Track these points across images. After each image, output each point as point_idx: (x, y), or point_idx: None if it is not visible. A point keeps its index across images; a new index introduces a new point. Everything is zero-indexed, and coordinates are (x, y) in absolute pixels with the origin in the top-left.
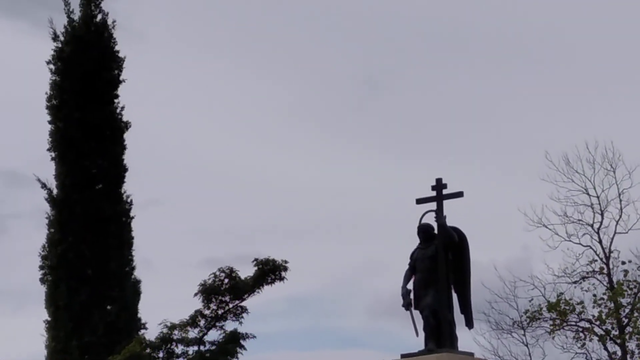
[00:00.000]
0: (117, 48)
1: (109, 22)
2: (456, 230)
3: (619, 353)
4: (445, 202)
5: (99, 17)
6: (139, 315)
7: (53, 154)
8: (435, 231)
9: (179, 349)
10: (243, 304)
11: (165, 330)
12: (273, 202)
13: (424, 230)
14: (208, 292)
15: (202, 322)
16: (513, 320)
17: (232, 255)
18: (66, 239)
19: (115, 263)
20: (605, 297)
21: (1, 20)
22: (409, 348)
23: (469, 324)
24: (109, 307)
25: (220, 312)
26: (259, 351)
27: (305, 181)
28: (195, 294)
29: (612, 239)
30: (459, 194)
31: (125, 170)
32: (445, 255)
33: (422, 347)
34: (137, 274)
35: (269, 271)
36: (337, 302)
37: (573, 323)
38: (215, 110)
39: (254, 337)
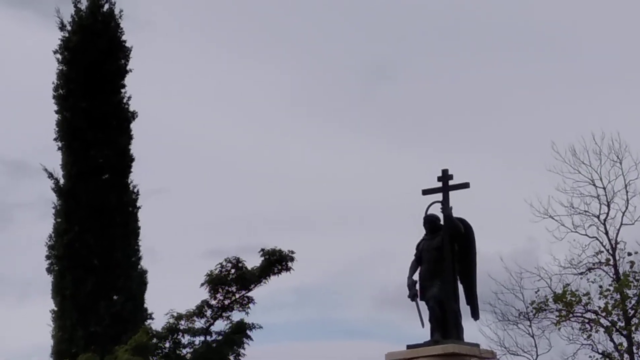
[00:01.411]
0: (123, 38)
1: (116, 11)
2: (462, 221)
3: (625, 344)
4: (451, 193)
5: (106, 6)
6: (145, 305)
7: (59, 144)
8: (442, 222)
9: (185, 339)
10: (249, 294)
11: (171, 321)
12: (279, 193)
13: (430, 221)
14: (215, 282)
15: (208, 313)
16: (519, 311)
17: (238, 246)
18: (72, 228)
19: (121, 253)
20: (611, 288)
21: (8, 10)
22: (415, 339)
23: (475, 314)
24: (115, 297)
25: (226, 302)
26: (265, 342)
27: (312, 171)
28: (202, 284)
29: (619, 230)
30: (465, 185)
31: (132, 160)
32: (451, 246)
33: (428, 338)
34: (143, 264)
35: (276, 261)
36: (343, 293)
37: (579, 314)
38: (221, 100)
39: (261, 327)
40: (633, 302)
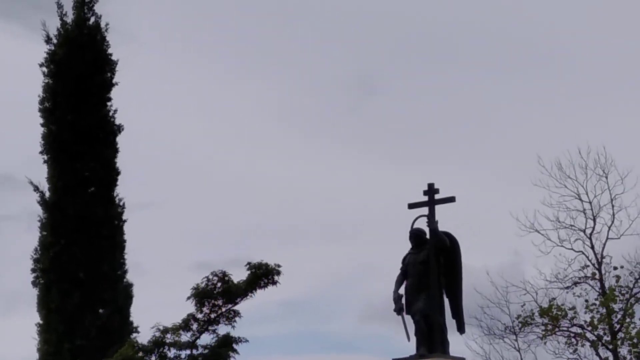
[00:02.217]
0: (110, 51)
1: (102, 25)
2: (448, 235)
3: (611, 359)
4: (437, 207)
5: (92, 19)
6: (131, 318)
7: (45, 157)
8: (427, 236)
9: (171, 352)
10: (236, 307)
11: (157, 334)
12: (266, 206)
13: (415, 235)
14: (201, 295)
15: (194, 326)
16: (505, 325)
17: (224, 259)
18: (58, 241)
19: (107, 266)
20: (597, 302)
21: None
22: (401, 353)
23: (461, 329)
24: (101, 311)
25: (213, 315)
26: (251, 355)
27: (298, 185)
28: (188, 298)
29: (604, 244)
30: (451, 199)
31: (118, 173)
32: (437, 260)
33: (413, 351)
34: (129, 277)
35: (262, 275)
36: (330, 306)
37: (565, 328)
38: (208, 113)
39: (247, 341)
40: (619, 316)
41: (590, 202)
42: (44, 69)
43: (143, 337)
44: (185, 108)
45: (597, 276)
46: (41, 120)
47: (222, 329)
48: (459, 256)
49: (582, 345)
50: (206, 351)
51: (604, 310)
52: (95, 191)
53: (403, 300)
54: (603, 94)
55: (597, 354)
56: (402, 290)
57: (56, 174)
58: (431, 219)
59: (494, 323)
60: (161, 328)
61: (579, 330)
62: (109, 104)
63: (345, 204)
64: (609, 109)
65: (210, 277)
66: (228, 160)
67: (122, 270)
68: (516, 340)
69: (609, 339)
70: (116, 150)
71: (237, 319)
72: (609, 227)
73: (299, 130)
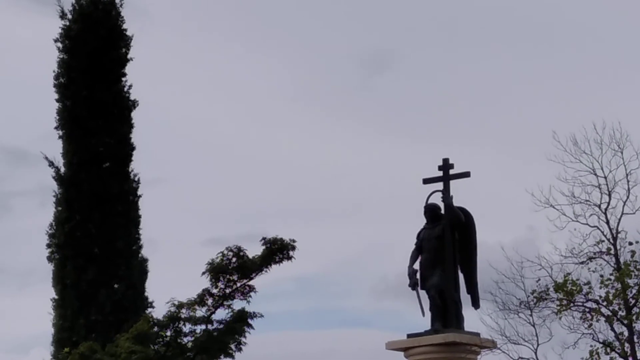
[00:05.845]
0: (124, 26)
1: (117, 0)
2: (463, 210)
3: (626, 334)
4: (452, 182)
5: None
6: (146, 293)
7: (60, 132)
8: (442, 211)
9: (186, 327)
10: (251, 283)
11: (172, 309)
12: (280, 183)
13: (430, 210)
14: (216, 270)
15: (209, 301)
16: (520, 300)
17: (238, 235)
18: (73, 217)
19: (122, 241)
20: (612, 277)
21: None
22: (416, 328)
23: (475, 304)
24: (116, 286)
25: (228, 291)
26: (266, 330)
27: (313, 161)
28: (203, 273)
29: (620, 219)
30: (466, 174)
31: (133, 148)
32: (451, 236)
33: (428, 327)
34: (144, 252)
35: (277, 250)
36: (344, 282)
37: (580, 303)
38: (222, 89)
39: (262, 316)
40: (634, 291)
41: (605, 177)
42: (59, 44)
43: (158, 312)
44: (200, 84)
45: (612, 251)
46: (56, 96)
47: (237, 304)
48: (474, 231)
49: (597, 320)
50: (221, 326)
51: (619, 285)
52: (110, 166)
53: (418, 275)
54: (619, 69)
55: (612, 329)
56: (416, 265)
57: (71, 150)
58: (446, 194)
59: (509, 298)
60: (176, 303)
61: (594, 306)
62: (123, 79)
63: (360, 180)
64: (625, 84)
65: (225, 252)
66: (242, 136)
67: (137, 245)
68: (531, 315)
69: (624, 314)
70: (131, 126)
71: (252, 294)
72: (624, 202)
73: (312, 106)
